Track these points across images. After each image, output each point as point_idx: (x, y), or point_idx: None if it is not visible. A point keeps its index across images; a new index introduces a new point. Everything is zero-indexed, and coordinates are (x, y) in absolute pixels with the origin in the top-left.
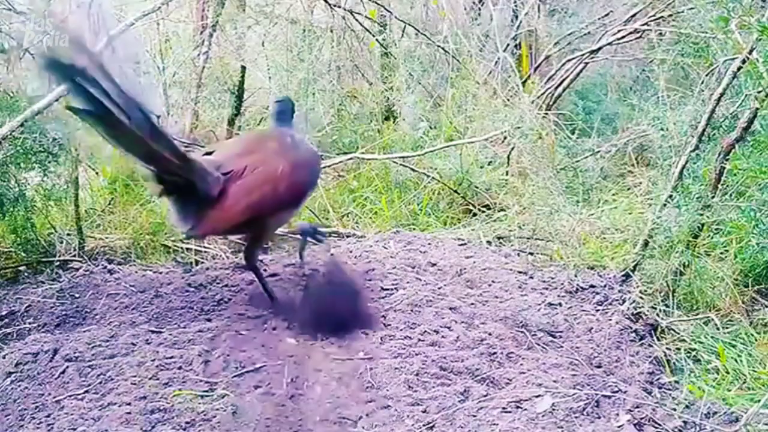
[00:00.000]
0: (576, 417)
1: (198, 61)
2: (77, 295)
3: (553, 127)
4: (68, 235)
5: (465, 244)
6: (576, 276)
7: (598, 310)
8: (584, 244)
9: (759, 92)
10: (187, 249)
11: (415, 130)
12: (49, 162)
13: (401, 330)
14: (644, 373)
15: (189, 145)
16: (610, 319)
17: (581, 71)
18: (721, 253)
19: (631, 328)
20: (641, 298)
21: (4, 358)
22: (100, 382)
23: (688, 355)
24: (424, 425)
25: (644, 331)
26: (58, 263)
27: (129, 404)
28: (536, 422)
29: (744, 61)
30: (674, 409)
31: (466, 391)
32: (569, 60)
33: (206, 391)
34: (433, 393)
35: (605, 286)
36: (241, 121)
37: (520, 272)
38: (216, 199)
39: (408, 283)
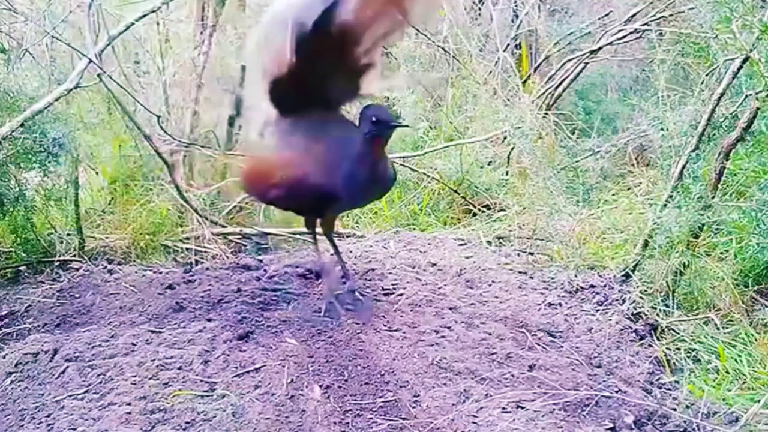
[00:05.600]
0: (576, 417)
1: (198, 61)
2: (77, 295)
3: (553, 127)
4: (68, 235)
5: (465, 244)
6: (576, 276)
7: (598, 310)
8: (584, 244)
9: (759, 92)
10: (187, 249)
11: (415, 130)
12: (49, 162)
13: (401, 330)
14: (644, 373)
15: (189, 146)
16: (610, 319)
17: (581, 71)
18: (721, 253)
19: (631, 328)
20: (641, 298)
21: (4, 358)
22: (100, 382)
23: (688, 355)
24: (424, 425)
25: (644, 331)
26: (58, 263)
27: (129, 404)
28: (536, 422)
29: (744, 61)
30: (674, 409)
31: (466, 391)
32: (569, 60)
33: (206, 391)
34: (433, 393)
35: (605, 286)
36: (241, 121)
37: (520, 272)
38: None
39: (408, 283)
